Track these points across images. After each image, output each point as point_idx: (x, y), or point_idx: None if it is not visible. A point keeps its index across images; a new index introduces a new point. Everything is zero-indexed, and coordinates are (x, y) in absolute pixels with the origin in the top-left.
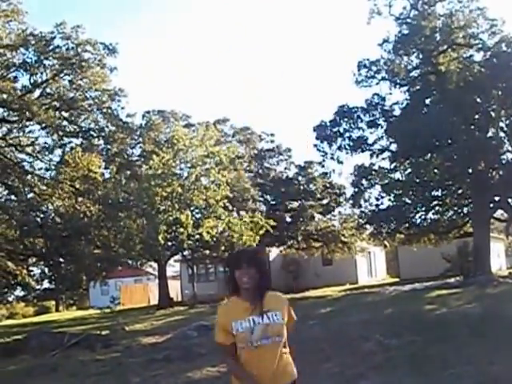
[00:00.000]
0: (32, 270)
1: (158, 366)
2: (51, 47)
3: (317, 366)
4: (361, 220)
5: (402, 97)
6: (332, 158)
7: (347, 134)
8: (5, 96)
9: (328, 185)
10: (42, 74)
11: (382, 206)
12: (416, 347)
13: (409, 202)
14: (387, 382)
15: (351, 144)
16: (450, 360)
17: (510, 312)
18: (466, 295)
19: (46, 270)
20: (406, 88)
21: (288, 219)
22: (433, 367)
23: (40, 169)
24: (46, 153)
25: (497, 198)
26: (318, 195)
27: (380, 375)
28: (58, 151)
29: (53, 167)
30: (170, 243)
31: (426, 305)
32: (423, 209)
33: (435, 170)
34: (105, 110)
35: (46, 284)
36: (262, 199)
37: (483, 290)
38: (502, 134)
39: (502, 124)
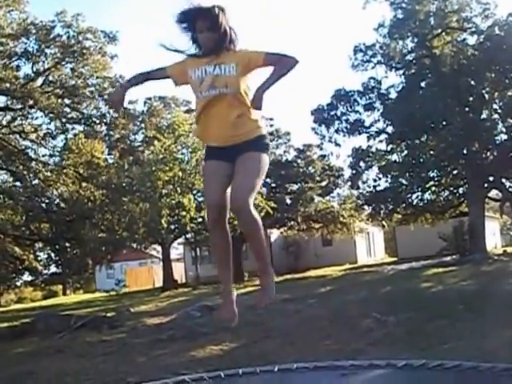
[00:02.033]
0: (39, 255)
1: (162, 346)
2: (52, 36)
3: (317, 343)
4: (359, 201)
5: (398, 80)
6: (330, 141)
7: (344, 117)
8: (8, 85)
9: (327, 167)
10: (43, 62)
11: (379, 187)
12: (413, 323)
13: (405, 183)
14: (385, 357)
15: (348, 127)
16: (445, 335)
17: (504, 288)
18: (462, 273)
19: (53, 254)
20: (401, 71)
21: (288, 201)
22: (429, 342)
23: (44, 155)
24: (50, 139)
25: (491, 178)
26: (317, 177)
27: (378, 351)
28: (61, 138)
29: (56, 153)
30: (173, 226)
31: (422, 282)
32: (419, 189)
33: (431, 152)
34: (106, 97)
35: (53, 268)
36: (262, 182)
37: (478, 268)
38: (495, 116)
39: (495, 106)
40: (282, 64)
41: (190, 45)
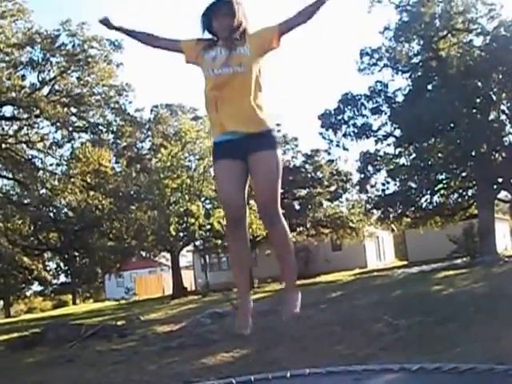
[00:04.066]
0: (48, 265)
1: (172, 354)
2: (57, 45)
3: (329, 348)
4: (368, 205)
5: (405, 83)
6: (338, 146)
7: (352, 122)
8: (14, 94)
9: (335, 172)
10: (49, 71)
11: (388, 191)
12: (424, 327)
13: (414, 186)
14: (397, 361)
15: (356, 131)
16: (457, 338)
17: None
18: (473, 275)
19: (62, 264)
20: (408, 74)
21: (297, 207)
22: (441, 345)
23: (51, 164)
24: (57, 148)
25: (500, 180)
26: (326, 182)
27: (390, 355)
28: (68, 146)
29: (64, 162)
30: (181, 234)
31: (433, 285)
32: (428, 192)
33: (439, 154)
34: (113, 105)
35: (62, 278)
36: None
37: (489, 270)
38: (503, 117)
39: (503, 107)
40: (300, 14)
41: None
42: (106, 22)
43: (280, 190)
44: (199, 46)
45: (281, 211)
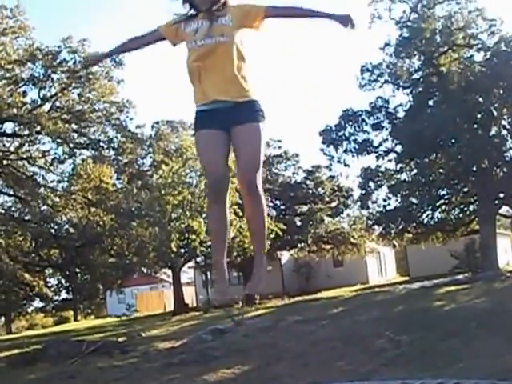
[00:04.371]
0: (49, 281)
1: (174, 370)
2: (58, 61)
3: (331, 364)
4: (369, 221)
5: (406, 99)
6: (339, 162)
7: (352, 138)
8: (15, 111)
9: (336, 188)
10: (50, 87)
11: (389, 207)
12: (427, 342)
13: (415, 201)
14: (399, 377)
15: (357, 147)
16: (459, 354)
17: None
18: (475, 291)
19: (63, 280)
20: (408, 90)
21: (298, 223)
22: (444, 361)
23: (52, 181)
24: (58, 165)
25: (502, 195)
26: (327, 198)
27: (392, 371)
28: (70, 163)
29: (65, 179)
30: (182, 250)
31: (435, 301)
32: (430, 208)
33: (440, 170)
34: (114, 122)
35: (63, 294)
36: (271, 204)
37: (491, 285)
38: (504, 132)
39: (504, 122)
40: (291, 9)
41: (184, 7)
42: (92, 61)
43: (262, 163)
44: (179, 23)
45: (261, 183)
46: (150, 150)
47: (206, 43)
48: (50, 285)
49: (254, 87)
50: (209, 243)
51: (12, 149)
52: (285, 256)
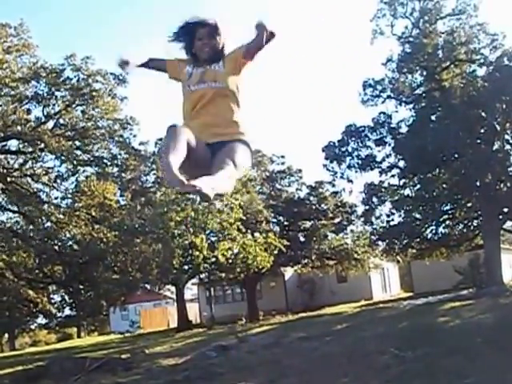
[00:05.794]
0: (53, 298)
1: None
2: (62, 79)
3: (335, 381)
4: (373, 237)
5: (408, 114)
6: (342, 177)
7: (355, 153)
8: (19, 128)
9: (339, 203)
10: (54, 105)
11: (393, 223)
12: (431, 359)
13: (419, 217)
14: None
15: (360, 163)
16: (464, 370)
17: None
18: (479, 306)
19: (67, 297)
20: (411, 105)
21: (301, 239)
22: (448, 378)
23: (56, 198)
24: (61, 182)
25: (505, 210)
26: (330, 214)
27: None
28: (73, 180)
29: (69, 196)
30: (186, 267)
31: (439, 317)
32: (434, 223)
33: (444, 185)
34: (117, 139)
35: (67, 311)
36: (275, 220)
37: (495, 301)
38: (507, 147)
39: (507, 137)
40: (260, 40)
41: (184, 54)
42: (123, 65)
43: (245, 163)
44: (180, 61)
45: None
46: (154, 166)
47: (200, 88)
48: (53, 301)
49: (247, 131)
50: (212, 260)
51: (16, 166)
52: (288, 272)
